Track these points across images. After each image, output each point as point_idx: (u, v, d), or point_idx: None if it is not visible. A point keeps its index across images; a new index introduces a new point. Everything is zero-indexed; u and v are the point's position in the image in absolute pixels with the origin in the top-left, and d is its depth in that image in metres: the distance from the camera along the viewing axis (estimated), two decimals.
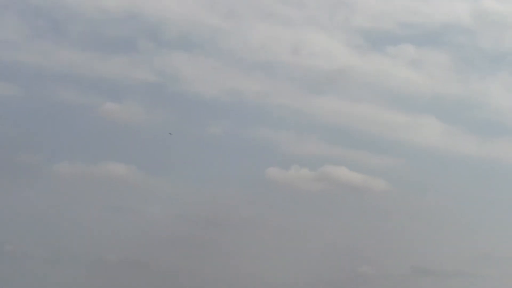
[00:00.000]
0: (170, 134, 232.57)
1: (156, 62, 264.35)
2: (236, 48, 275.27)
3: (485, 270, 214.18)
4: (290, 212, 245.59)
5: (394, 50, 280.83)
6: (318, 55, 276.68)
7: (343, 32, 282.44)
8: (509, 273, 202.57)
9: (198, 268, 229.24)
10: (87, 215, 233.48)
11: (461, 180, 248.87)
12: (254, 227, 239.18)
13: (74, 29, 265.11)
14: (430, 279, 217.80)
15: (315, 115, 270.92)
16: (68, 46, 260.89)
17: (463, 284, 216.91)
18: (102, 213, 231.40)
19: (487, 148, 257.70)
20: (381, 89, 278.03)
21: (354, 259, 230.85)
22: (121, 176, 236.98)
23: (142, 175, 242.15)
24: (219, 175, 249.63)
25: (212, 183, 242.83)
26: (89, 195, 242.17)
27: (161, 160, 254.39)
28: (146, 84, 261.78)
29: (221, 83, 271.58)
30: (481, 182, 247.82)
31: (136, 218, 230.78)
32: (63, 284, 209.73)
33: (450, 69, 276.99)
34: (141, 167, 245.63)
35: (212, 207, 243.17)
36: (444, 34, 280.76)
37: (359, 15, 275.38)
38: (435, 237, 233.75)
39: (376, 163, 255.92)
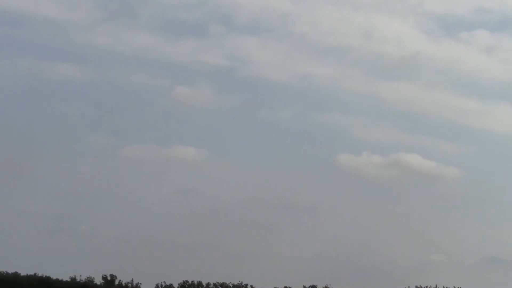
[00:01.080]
0: None
1: (227, 46, 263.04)
2: (307, 33, 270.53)
3: None
4: (360, 198, 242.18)
5: (468, 36, 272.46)
6: (390, 40, 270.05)
7: (416, 17, 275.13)
8: None
9: (268, 250, 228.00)
10: (158, 197, 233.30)
11: None
12: (323, 212, 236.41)
13: (146, 13, 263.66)
14: (502, 268, 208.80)
15: (386, 101, 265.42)
16: (140, 29, 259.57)
17: None
18: (173, 195, 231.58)
19: None
20: (454, 75, 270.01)
21: (425, 247, 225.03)
22: (192, 159, 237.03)
23: (212, 159, 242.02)
24: (289, 160, 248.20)
25: (283, 168, 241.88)
26: (159, 177, 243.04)
27: (232, 144, 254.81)
28: (216, 68, 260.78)
29: (291, 67, 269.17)
30: None
31: (207, 201, 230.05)
32: (134, 261, 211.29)
33: None
34: (212, 150, 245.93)
35: (282, 192, 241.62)
36: None
37: (432, 1, 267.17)
38: (509, 226, 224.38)
39: (448, 150, 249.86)
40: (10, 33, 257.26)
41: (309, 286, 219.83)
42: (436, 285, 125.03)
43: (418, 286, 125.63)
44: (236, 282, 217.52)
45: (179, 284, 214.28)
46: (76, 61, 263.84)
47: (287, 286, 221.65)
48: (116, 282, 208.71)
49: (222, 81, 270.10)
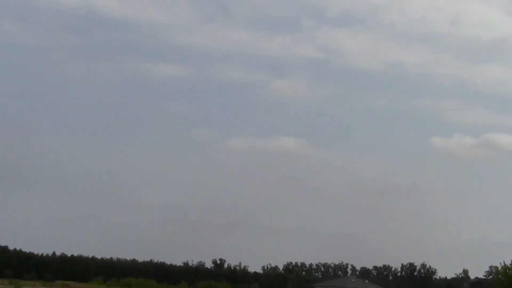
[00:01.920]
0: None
1: (319, 39, 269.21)
2: (396, 21, 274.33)
3: None
4: (453, 179, 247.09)
5: None
6: (478, 25, 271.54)
7: (502, 1, 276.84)
8: None
9: (366, 232, 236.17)
10: (261, 185, 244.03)
11: None
12: (419, 193, 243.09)
13: (240, 12, 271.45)
14: None
15: (477, 84, 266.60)
16: (235, 28, 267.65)
17: None
18: (275, 183, 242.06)
19: None
20: None
21: None
22: (292, 149, 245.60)
23: (311, 148, 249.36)
24: (386, 146, 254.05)
25: (379, 154, 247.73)
26: (262, 167, 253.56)
27: (329, 133, 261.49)
28: (310, 60, 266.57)
29: (383, 56, 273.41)
30: None
31: (307, 187, 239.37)
32: (241, 246, 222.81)
33: None
34: (310, 140, 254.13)
35: (379, 177, 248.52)
36: None
37: None
38: None
39: None
40: (118, 37, 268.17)
41: (407, 264, 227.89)
42: None
43: None
44: (337, 262, 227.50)
45: (283, 265, 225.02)
46: (178, 61, 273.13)
47: (386, 264, 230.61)
48: (225, 266, 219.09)
49: (316, 73, 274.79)
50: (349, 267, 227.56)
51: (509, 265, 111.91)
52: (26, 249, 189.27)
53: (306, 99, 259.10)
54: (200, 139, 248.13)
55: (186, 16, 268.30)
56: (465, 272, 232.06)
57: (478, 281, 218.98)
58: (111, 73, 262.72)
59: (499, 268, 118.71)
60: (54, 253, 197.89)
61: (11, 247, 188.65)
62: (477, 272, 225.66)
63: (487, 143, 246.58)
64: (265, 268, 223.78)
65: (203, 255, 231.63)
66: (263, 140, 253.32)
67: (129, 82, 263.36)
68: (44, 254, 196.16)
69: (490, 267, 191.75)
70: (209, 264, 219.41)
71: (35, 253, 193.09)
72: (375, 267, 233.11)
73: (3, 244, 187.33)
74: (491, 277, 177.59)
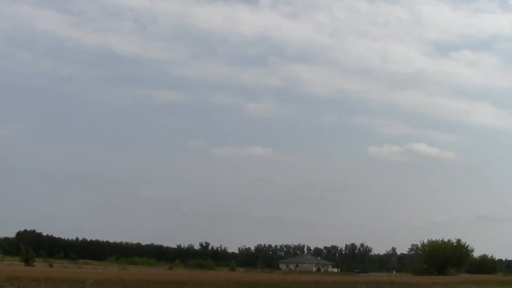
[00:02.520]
0: None
1: (282, 71, 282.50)
2: (340, 58, 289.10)
3: None
4: (384, 178, 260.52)
5: (456, 55, 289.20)
6: (400, 61, 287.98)
7: (418, 43, 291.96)
8: None
9: (320, 219, 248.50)
10: (238, 183, 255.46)
11: (508, 149, 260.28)
12: (359, 190, 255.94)
13: (222, 50, 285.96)
14: (489, 223, 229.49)
15: (400, 105, 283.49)
16: (218, 63, 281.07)
17: None
18: (249, 182, 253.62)
19: None
20: (449, 84, 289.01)
21: (432, 210, 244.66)
22: (262, 156, 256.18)
23: (276, 155, 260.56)
24: (333, 153, 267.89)
25: (328, 159, 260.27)
26: (239, 170, 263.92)
27: (290, 143, 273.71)
28: (275, 88, 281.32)
29: (330, 84, 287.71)
30: None
31: (273, 185, 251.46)
32: (222, 231, 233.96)
33: (498, 67, 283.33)
34: (276, 149, 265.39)
35: (328, 176, 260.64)
36: (493, 41, 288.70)
37: (429, 30, 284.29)
38: (492, 192, 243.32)
39: (446, 139, 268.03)
40: (127, 71, 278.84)
41: (350, 244, 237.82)
42: (442, 238, 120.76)
43: (429, 240, 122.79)
44: (296, 243, 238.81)
45: (254, 246, 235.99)
46: (175, 88, 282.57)
47: (334, 245, 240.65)
48: (210, 247, 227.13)
49: (280, 98, 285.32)
50: (305, 247, 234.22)
51: (426, 243, 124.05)
52: (56, 234, 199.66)
53: (273, 118, 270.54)
54: (193, 148, 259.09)
55: (182, 53, 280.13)
56: (393, 249, 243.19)
57: (403, 256, 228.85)
58: (124, 97, 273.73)
59: (419, 245, 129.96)
60: (77, 238, 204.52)
61: (44, 233, 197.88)
62: (403, 249, 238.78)
63: (409, 150, 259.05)
64: (241, 249, 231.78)
65: (192, 239, 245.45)
66: (240, 149, 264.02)
67: (139, 104, 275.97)
68: (70, 239, 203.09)
69: (412, 245, 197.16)
70: (197, 246, 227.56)
71: (63, 237, 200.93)
72: (325, 247, 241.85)
73: (38, 231, 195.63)
74: (413, 252, 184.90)
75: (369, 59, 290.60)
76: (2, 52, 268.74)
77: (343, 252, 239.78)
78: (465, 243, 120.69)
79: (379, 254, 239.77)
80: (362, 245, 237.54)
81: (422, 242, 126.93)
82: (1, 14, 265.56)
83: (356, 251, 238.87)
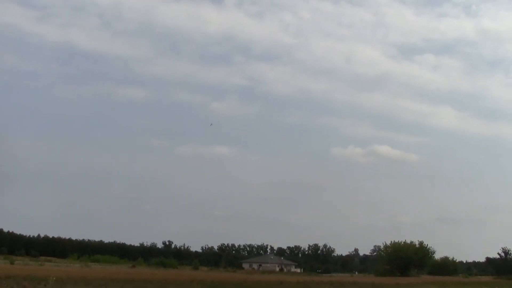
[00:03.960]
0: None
1: (247, 70, 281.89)
2: (305, 58, 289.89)
3: (489, 216, 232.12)
4: (348, 179, 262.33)
5: (420, 58, 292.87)
6: (365, 63, 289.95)
7: (383, 46, 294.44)
8: (508, 218, 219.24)
9: (282, 218, 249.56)
10: (202, 182, 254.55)
11: (470, 152, 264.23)
12: (322, 189, 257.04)
13: (187, 48, 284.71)
14: (450, 225, 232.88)
15: (365, 107, 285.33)
16: (183, 61, 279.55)
17: (475, 227, 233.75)
18: (212, 181, 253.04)
19: (489, 129, 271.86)
20: (412, 87, 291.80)
21: (394, 212, 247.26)
22: (225, 155, 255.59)
23: (240, 154, 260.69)
24: (296, 153, 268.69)
25: (291, 158, 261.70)
26: (202, 169, 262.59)
27: (254, 142, 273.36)
28: (240, 87, 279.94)
29: (295, 84, 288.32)
30: (485, 154, 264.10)
31: (237, 184, 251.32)
32: (185, 230, 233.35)
33: (461, 71, 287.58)
34: (239, 148, 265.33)
35: (292, 176, 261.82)
36: (456, 45, 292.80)
37: (393, 33, 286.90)
38: (453, 194, 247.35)
39: (409, 142, 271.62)
40: (91, 67, 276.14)
41: (313, 244, 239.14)
42: (405, 240, 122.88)
43: (392, 241, 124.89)
44: (259, 243, 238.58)
45: (218, 246, 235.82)
46: (139, 86, 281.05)
47: (297, 245, 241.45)
48: (173, 246, 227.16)
49: (244, 97, 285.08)
50: (269, 247, 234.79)
51: (388, 244, 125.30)
52: (17, 231, 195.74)
53: (237, 117, 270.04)
54: (155, 146, 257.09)
55: (146, 50, 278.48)
56: (356, 250, 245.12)
57: (365, 257, 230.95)
58: (88, 94, 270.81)
59: (382, 247, 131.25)
60: (39, 235, 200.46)
61: (5, 229, 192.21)
62: (365, 250, 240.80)
63: (372, 152, 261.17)
64: (204, 248, 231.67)
65: (155, 237, 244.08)
66: (204, 148, 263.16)
67: (102, 101, 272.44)
68: (31, 235, 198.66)
69: (375, 246, 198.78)
70: (160, 245, 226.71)
71: (24, 234, 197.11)
72: (288, 247, 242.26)
73: None
74: (375, 253, 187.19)
75: (333, 60, 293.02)
76: None
77: (306, 252, 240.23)
78: (427, 245, 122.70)
79: (341, 254, 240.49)
80: (325, 245, 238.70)
81: (384, 244, 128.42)
82: None
83: (319, 251, 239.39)
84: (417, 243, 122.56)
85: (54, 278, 39.90)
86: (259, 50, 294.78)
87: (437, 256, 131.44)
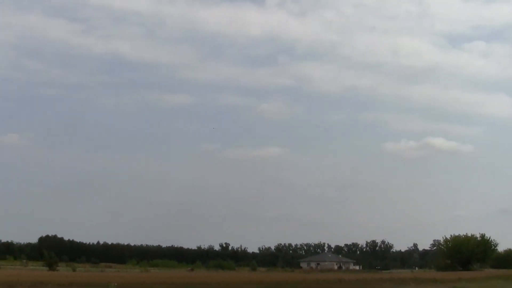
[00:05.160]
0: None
1: (292, 70, 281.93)
2: (350, 55, 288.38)
3: None
4: (402, 174, 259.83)
5: (469, 46, 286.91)
6: (412, 55, 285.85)
7: (430, 36, 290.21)
8: None
9: (338, 217, 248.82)
10: (253, 184, 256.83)
11: None
12: (377, 187, 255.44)
13: (231, 52, 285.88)
14: (510, 217, 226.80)
15: (415, 100, 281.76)
16: (227, 64, 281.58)
17: None
18: (263, 182, 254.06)
19: None
20: (463, 76, 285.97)
21: (452, 205, 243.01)
22: (275, 156, 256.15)
23: (290, 154, 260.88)
24: (348, 150, 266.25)
25: (342, 156, 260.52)
26: (253, 171, 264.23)
27: (303, 142, 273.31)
28: (286, 87, 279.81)
29: (340, 81, 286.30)
30: None
31: (289, 184, 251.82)
32: (241, 232, 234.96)
33: None
34: (289, 148, 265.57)
35: (343, 174, 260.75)
36: (506, 31, 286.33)
37: (440, 22, 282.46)
38: None
39: (464, 132, 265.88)
40: (136, 76, 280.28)
41: (370, 241, 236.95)
42: (466, 233, 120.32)
43: (452, 235, 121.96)
44: (316, 242, 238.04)
45: (275, 246, 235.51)
46: (185, 91, 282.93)
47: (354, 242, 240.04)
48: (230, 248, 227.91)
49: (291, 97, 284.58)
50: (326, 245, 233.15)
51: (448, 238, 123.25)
52: (77, 239, 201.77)
53: (284, 117, 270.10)
54: (206, 150, 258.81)
55: (190, 56, 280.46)
56: (415, 245, 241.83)
57: (425, 252, 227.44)
58: (134, 103, 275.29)
59: (441, 241, 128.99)
60: (98, 242, 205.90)
61: (65, 238, 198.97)
62: (424, 245, 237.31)
63: (426, 145, 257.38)
64: (261, 249, 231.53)
65: (212, 240, 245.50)
66: (253, 150, 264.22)
67: (149, 109, 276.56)
68: (91, 243, 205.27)
69: (434, 240, 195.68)
70: (217, 247, 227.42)
71: (84, 242, 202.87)
72: (346, 245, 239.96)
73: (59, 236, 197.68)
74: (435, 248, 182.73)
75: (379, 54, 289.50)
76: (12, 61, 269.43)
77: (364, 249, 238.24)
78: (489, 238, 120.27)
79: (400, 250, 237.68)
80: (383, 241, 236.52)
81: (444, 238, 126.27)
82: (10, 24, 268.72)
83: (377, 248, 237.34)
84: (478, 236, 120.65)
85: (116, 284, 40.72)
86: (303, 49, 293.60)
87: (500, 248, 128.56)
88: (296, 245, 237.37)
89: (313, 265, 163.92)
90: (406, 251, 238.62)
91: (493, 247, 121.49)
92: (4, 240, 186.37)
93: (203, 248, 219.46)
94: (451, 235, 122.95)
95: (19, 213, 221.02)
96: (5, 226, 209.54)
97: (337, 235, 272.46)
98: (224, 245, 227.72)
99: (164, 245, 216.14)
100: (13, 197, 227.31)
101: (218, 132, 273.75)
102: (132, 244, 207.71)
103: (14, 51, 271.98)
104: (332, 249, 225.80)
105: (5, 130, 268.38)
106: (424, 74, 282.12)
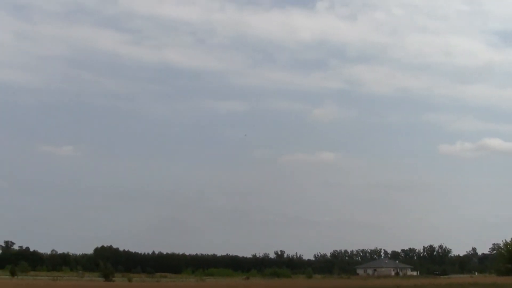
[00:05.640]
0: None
1: (343, 74, 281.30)
2: (401, 56, 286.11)
3: None
4: (459, 176, 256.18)
5: None
6: (466, 54, 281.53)
7: (482, 35, 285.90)
8: None
9: (394, 221, 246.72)
10: (307, 189, 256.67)
11: None
12: (433, 190, 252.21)
13: (281, 57, 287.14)
14: None
15: (469, 100, 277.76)
16: (278, 70, 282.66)
17: None
18: (318, 187, 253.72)
19: None
20: None
21: (509, 207, 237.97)
22: (329, 160, 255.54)
23: (344, 158, 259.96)
24: (402, 152, 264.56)
25: (397, 159, 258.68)
26: (307, 176, 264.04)
27: (357, 145, 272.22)
28: (338, 91, 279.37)
29: (392, 83, 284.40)
30: None
31: (343, 189, 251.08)
32: (296, 239, 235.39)
33: None
34: (343, 152, 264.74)
35: (399, 177, 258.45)
36: None
37: (492, 20, 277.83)
38: None
39: None
40: (187, 84, 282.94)
41: (428, 246, 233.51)
42: None
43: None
44: (372, 248, 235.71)
45: (330, 253, 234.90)
46: (237, 98, 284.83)
47: (411, 247, 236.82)
48: (285, 255, 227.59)
49: (343, 100, 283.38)
50: (382, 251, 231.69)
51: (509, 241, 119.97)
52: (132, 249, 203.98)
53: (337, 121, 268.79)
54: (259, 156, 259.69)
55: (241, 63, 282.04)
56: (474, 249, 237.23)
57: (484, 256, 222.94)
58: (187, 111, 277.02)
59: (501, 244, 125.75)
60: (153, 252, 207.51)
61: (121, 248, 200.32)
62: (483, 249, 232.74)
63: (483, 146, 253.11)
64: (316, 256, 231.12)
65: (267, 248, 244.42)
66: (307, 155, 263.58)
67: (201, 117, 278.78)
68: (146, 253, 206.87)
69: (494, 244, 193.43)
70: (272, 255, 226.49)
71: (139, 252, 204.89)
72: (402, 250, 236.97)
73: (115, 246, 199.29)
74: (495, 252, 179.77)
75: (431, 54, 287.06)
76: (64, 73, 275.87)
77: (421, 255, 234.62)
78: None
79: (459, 255, 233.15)
80: (440, 246, 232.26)
81: (504, 241, 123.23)
82: (61, 36, 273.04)
83: (435, 252, 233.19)
84: None
85: None
86: (354, 52, 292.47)
87: None
88: (352, 251, 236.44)
89: (369, 271, 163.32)
90: (464, 255, 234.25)
91: None
92: (60, 251, 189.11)
93: (258, 256, 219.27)
94: (511, 238, 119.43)
95: (75, 225, 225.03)
96: (61, 238, 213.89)
97: (393, 240, 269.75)
98: (279, 253, 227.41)
99: (219, 253, 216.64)
100: (68, 209, 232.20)
101: (271, 138, 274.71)
102: (187, 253, 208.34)
103: (66, 63, 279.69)
104: (389, 255, 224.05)
105: (61, 142, 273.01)
106: (478, 73, 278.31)
